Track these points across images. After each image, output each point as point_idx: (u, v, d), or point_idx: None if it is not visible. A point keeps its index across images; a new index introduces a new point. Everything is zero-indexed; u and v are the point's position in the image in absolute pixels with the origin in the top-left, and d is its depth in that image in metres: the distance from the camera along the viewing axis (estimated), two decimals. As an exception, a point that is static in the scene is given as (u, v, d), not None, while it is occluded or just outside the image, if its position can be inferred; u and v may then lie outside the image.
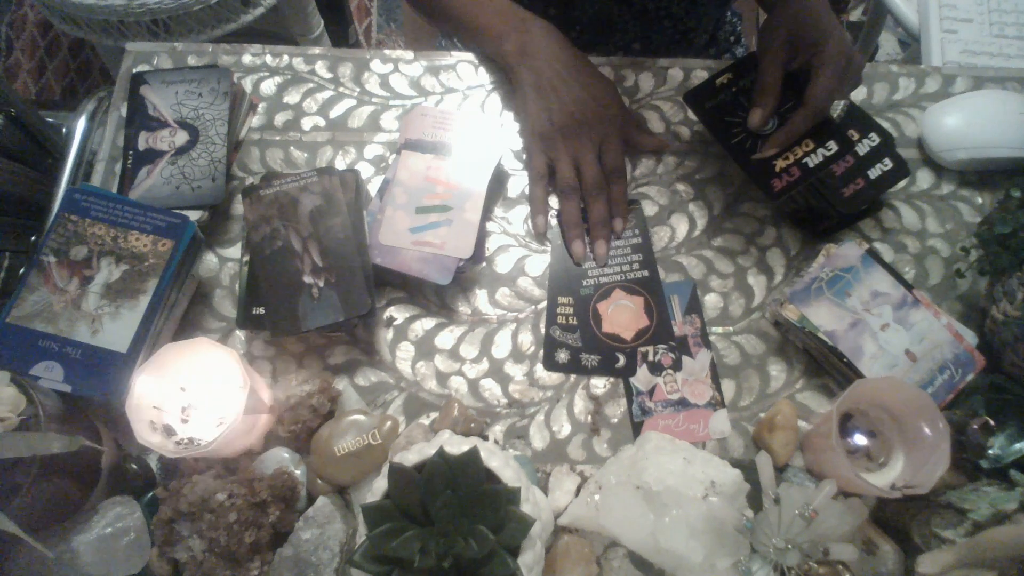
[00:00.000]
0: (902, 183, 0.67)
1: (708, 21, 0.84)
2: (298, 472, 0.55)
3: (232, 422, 0.51)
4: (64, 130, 0.81)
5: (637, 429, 0.60)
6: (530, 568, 0.44)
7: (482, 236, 0.66)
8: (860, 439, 0.57)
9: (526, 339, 0.64)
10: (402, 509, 0.45)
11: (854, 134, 0.64)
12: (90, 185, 0.65)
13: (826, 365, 0.62)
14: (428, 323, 0.64)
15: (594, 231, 0.66)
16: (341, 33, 1.60)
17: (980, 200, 0.69)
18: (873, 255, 0.62)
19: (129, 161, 0.65)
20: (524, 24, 0.68)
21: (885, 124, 0.69)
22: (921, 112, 0.73)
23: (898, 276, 0.61)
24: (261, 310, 0.60)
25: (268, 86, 0.73)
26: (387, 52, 0.75)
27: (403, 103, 0.73)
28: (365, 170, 0.70)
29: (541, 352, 0.63)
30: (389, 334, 0.63)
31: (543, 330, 0.64)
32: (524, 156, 0.71)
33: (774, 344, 0.64)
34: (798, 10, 0.60)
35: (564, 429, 0.61)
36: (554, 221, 0.68)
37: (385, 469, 0.46)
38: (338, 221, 0.62)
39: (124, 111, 0.70)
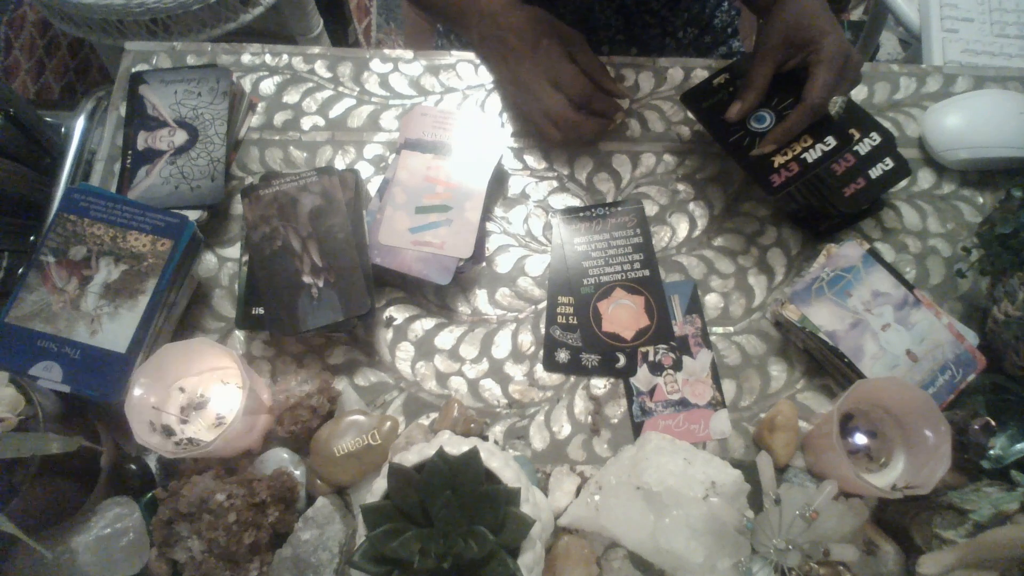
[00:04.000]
0: (903, 183, 0.67)
1: (691, 17, 0.85)
2: (297, 473, 0.55)
3: (231, 422, 0.51)
4: (63, 130, 0.81)
5: (637, 429, 0.60)
6: (530, 569, 0.44)
7: (482, 236, 0.65)
8: (861, 439, 0.57)
9: (526, 339, 0.63)
10: (402, 509, 0.45)
11: (855, 133, 0.63)
12: (89, 185, 0.64)
13: (827, 365, 0.62)
14: (428, 323, 0.64)
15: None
16: (340, 32, 1.60)
17: (981, 200, 0.69)
18: (874, 255, 0.61)
19: (128, 161, 0.65)
20: (479, 14, 0.69)
21: (886, 124, 0.69)
22: (922, 112, 0.73)
23: (899, 276, 0.61)
24: (260, 310, 0.60)
25: (267, 85, 0.73)
26: (387, 51, 0.75)
27: (403, 103, 0.73)
28: (365, 170, 0.69)
29: (541, 352, 0.63)
30: (389, 334, 0.63)
31: (543, 330, 0.64)
32: (524, 156, 0.71)
33: (775, 344, 0.63)
34: (796, 9, 0.60)
35: (564, 429, 0.60)
36: (555, 220, 0.68)
37: (385, 469, 0.46)
38: (338, 221, 0.61)
39: (123, 111, 0.69)
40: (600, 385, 0.62)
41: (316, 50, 0.75)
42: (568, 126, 0.66)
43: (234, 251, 0.66)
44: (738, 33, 0.93)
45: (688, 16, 0.85)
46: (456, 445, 0.47)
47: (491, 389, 0.62)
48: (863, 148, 0.64)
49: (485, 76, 0.74)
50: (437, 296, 0.65)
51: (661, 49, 0.88)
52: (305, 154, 0.70)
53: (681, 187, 0.70)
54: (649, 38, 0.86)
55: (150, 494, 0.54)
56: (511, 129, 0.72)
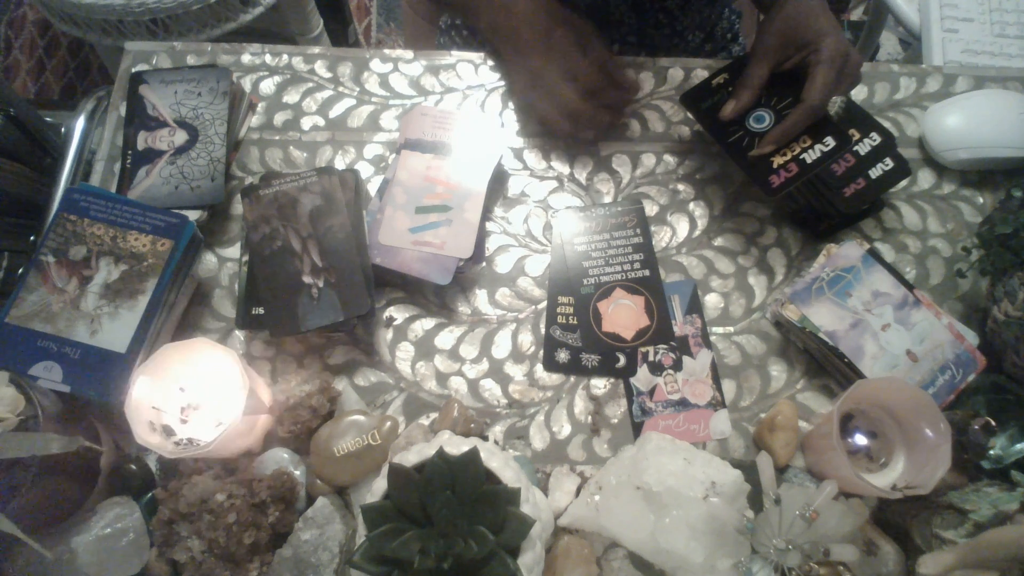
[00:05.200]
0: (903, 183, 0.67)
1: (702, 20, 0.85)
2: (297, 473, 0.55)
3: (231, 422, 0.51)
4: (63, 130, 0.81)
5: (637, 429, 0.60)
6: (530, 569, 0.44)
7: (482, 236, 0.65)
8: (861, 439, 0.57)
9: (526, 339, 0.63)
10: (402, 510, 0.45)
11: (855, 133, 0.63)
12: (89, 185, 0.64)
13: (827, 365, 0.62)
14: (428, 323, 0.64)
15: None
16: (341, 32, 1.60)
17: (981, 200, 0.69)
18: (874, 255, 0.61)
19: (128, 161, 0.65)
20: (490, 4, 0.68)
21: (886, 124, 0.69)
22: (922, 112, 0.73)
23: (899, 276, 0.61)
24: (260, 310, 0.60)
25: (267, 85, 0.73)
26: (387, 51, 0.75)
27: (403, 103, 0.73)
28: (365, 170, 0.69)
29: (541, 352, 0.63)
30: (389, 334, 0.63)
31: (543, 330, 0.64)
32: (524, 156, 0.71)
33: (775, 344, 0.63)
34: (795, 9, 0.60)
35: (564, 429, 0.60)
36: (555, 220, 0.68)
37: (385, 469, 0.46)
38: (338, 221, 0.61)
39: (123, 111, 0.69)
40: (600, 385, 0.62)
41: (316, 50, 0.75)
42: (579, 117, 0.66)
43: (234, 251, 0.66)
44: (739, 38, 0.93)
45: (699, 18, 0.85)
46: (456, 445, 0.47)
47: (491, 389, 0.62)
48: (863, 148, 0.64)
49: (485, 76, 0.74)
50: (437, 296, 0.65)
51: (668, 52, 0.88)
52: (305, 154, 0.70)
53: (681, 187, 0.70)
54: (660, 39, 0.85)
55: (150, 494, 0.54)
56: (511, 129, 0.72)
